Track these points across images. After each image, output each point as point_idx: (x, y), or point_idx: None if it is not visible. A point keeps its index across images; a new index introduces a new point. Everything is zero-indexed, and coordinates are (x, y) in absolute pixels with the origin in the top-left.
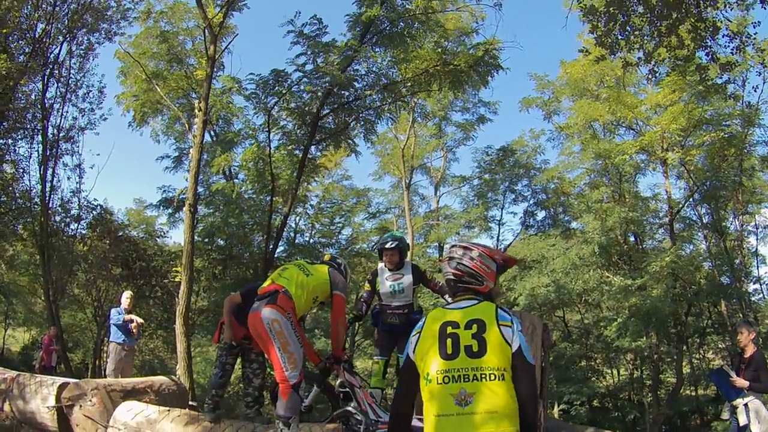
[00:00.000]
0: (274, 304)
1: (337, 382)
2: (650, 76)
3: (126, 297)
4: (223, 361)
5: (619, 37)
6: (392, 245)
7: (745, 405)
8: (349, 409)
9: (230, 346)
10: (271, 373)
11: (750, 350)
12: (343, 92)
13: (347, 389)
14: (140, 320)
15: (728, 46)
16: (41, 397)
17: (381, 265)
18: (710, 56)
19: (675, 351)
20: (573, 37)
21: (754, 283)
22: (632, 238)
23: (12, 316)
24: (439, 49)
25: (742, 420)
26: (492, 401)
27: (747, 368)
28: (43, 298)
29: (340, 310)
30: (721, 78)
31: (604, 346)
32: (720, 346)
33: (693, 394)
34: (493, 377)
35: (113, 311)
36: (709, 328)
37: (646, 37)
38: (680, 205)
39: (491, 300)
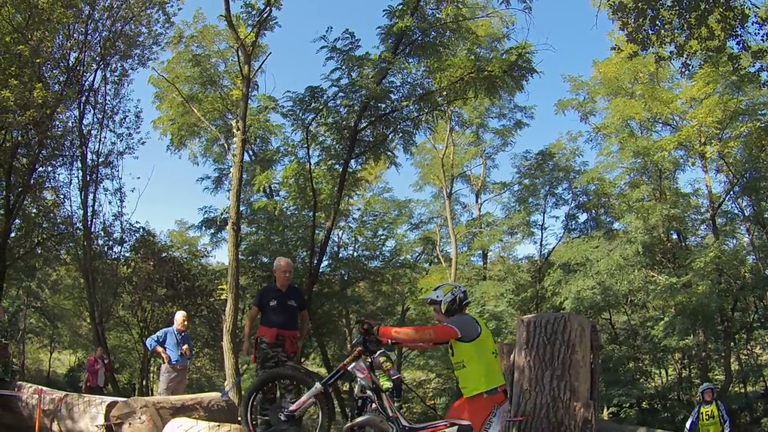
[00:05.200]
0: None
1: (357, 387)
2: (683, 70)
3: (180, 317)
4: (269, 366)
5: (650, 32)
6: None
7: None
8: (374, 417)
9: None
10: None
11: None
12: (379, 104)
13: (367, 395)
14: (165, 357)
15: (758, 33)
16: (90, 416)
17: None
18: (741, 45)
19: (723, 348)
20: (604, 35)
21: None
22: (675, 236)
23: (57, 340)
24: (473, 56)
25: None
26: None
27: None
28: (88, 320)
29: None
30: (753, 66)
31: (652, 346)
32: (767, 340)
33: (742, 391)
34: None
35: (161, 332)
36: (756, 323)
37: (676, 30)
38: (721, 199)
39: None
